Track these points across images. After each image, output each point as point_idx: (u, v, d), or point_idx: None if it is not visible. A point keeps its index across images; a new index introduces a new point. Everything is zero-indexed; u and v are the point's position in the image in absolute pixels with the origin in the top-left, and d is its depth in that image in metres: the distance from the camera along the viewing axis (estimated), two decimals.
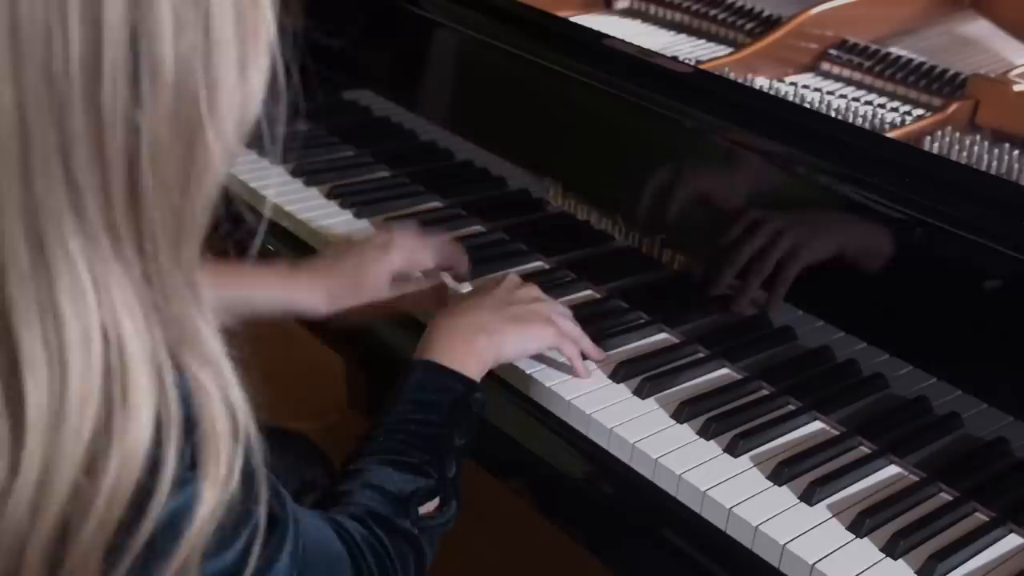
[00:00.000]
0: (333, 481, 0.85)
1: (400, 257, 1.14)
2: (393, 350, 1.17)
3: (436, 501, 0.88)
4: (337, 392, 2.14)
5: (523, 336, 1.03)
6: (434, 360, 0.95)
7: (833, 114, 1.22)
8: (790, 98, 1.26)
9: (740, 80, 1.27)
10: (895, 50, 1.36)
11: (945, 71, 1.30)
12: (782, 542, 0.90)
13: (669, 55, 1.38)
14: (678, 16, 1.53)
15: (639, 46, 1.24)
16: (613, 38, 1.27)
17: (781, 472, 0.97)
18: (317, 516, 0.76)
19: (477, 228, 1.36)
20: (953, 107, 1.19)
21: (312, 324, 1.35)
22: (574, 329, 1.08)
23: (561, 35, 1.29)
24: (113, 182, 0.51)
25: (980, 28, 1.52)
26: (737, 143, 1.10)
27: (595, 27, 1.40)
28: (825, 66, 1.40)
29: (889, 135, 1.14)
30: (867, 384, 1.04)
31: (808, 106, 1.24)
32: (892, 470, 1.00)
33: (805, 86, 1.34)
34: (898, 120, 1.21)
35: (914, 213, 0.96)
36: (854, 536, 0.91)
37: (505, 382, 1.09)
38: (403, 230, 1.19)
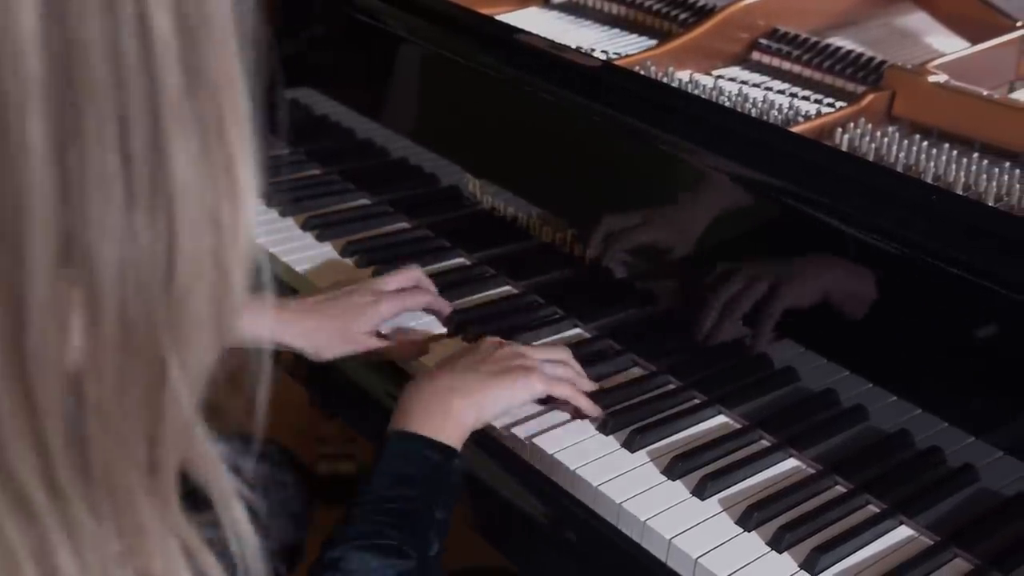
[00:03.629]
0: (311, 570, 0.82)
1: (390, 309, 1.13)
2: (362, 391, 1.16)
3: None
4: (298, 390, 2.13)
5: (504, 392, 0.98)
6: (410, 430, 0.92)
7: (749, 107, 1.22)
8: (708, 91, 1.25)
9: (659, 74, 1.27)
10: (828, 40, 1.35)
11: (871, 60, 1.29)
12: (668, 536, 0.90)
13: (600, 49, 1.38)
14: (615, 8, 1.53)
15: (552, 41, 1.23)
16: (529, 34, 1.26)
17: (675, 467, 0.96)
18: None
19: (402, 225, 1.36)
20: (868, 98, 1.18)
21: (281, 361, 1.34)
22: (567, 373, 1.04)
23: (481, 32, 1.29)
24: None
25: (918, 20, 1.51)
26: (643, 138, 1.09)
27: (530, 23, 1.40)
28: (755, 56, 1.39)
29: (799, 127, 1.13)
30: (776, 378, 1.03)
31: (727, 100, 1.23)
32: (790, 463, 1.00)
33: (732, 79, 1.34)
34: (813, 112, 1.20)
35: (813, 210, 0.96)
36: (742, 530, 0.91)
37: None
38: (395, 275, 1.17)
